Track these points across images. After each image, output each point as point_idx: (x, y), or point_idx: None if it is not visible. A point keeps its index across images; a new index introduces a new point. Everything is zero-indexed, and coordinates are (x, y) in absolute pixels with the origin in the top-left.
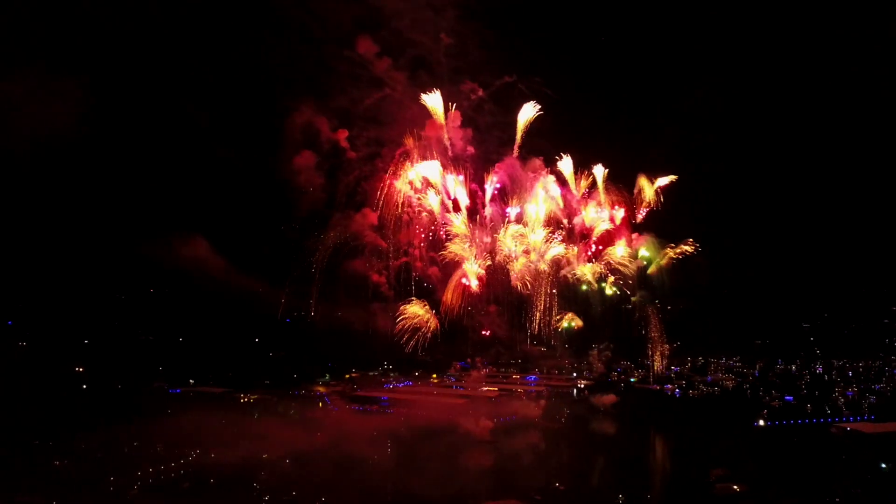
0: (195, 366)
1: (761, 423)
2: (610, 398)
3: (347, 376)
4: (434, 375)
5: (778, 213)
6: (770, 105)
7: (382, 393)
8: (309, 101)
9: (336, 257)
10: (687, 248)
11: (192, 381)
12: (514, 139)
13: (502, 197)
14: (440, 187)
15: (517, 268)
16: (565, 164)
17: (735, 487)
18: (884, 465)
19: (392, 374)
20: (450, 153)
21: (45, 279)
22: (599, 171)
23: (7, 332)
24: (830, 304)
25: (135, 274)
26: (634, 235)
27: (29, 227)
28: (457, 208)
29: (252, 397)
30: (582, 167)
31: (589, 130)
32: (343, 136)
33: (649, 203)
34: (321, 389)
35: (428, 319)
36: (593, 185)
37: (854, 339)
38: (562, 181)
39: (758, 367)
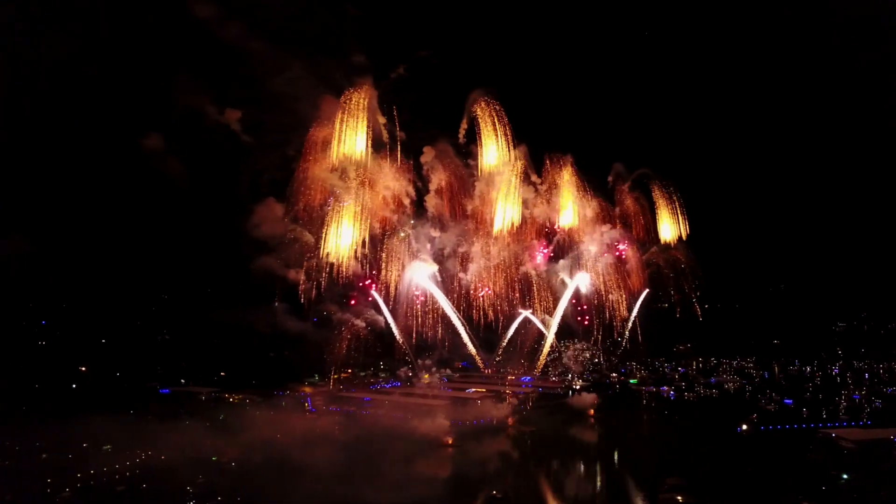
0: (190, 366)
1: (745, 427)
2: (590, 399)
3: (335, 376)
4: (426, 376)
5: (815, 211)
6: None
7: (366, 394)
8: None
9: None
10: (674, 248)
11: (182, 381)
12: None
13: (449, 188)
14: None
15: (473, 265)
16: (521, 154)
17: (679, 498)
18: (845, 476)
19: (383, 375)
20: (384, 138)
21: (77, 282)
22: (566, 167)
23: (35, 332)
24: (869, 303)
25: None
26: (607, 227)
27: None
28: (396, 202)
29: (236, 397)
30: (547, 157)
31: (554, 117)
32: (234, 117)
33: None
34: (306, 389)
35: (368, 324)
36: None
37: (887, 340)
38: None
39: (774, 368)
